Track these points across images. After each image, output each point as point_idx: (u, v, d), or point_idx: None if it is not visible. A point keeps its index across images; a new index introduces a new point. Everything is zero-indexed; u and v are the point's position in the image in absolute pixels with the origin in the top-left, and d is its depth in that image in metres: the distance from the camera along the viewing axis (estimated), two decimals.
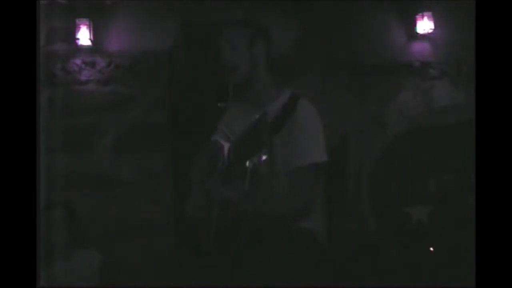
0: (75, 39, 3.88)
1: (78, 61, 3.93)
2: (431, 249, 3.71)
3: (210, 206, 1.82)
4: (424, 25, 4.19)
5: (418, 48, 4.27)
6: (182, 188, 2.11)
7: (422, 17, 4.19)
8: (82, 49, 3.92)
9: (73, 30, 3.87)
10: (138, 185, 3.81)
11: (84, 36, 3.88)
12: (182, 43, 3.90)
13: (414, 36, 4.25)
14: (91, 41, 3.90)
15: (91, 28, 3.89)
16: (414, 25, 4.22)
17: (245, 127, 1.76)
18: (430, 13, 4.19)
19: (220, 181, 1.80)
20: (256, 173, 1.75)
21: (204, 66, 3.64)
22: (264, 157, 1.67)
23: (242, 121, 1.90)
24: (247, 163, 1.71)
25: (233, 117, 2.02)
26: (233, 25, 2.00)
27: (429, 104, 4.23)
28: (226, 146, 1.82)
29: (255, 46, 1.95)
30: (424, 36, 4.23)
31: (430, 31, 4.20)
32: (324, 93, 3.88)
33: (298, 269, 1.77)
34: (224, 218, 1.79)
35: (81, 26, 3.86)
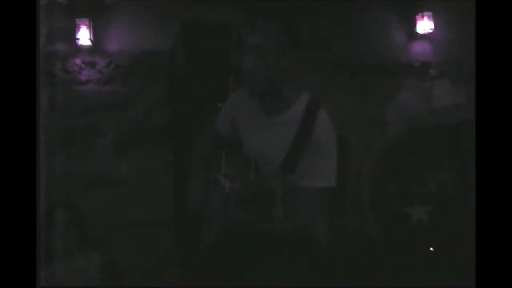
0: (75, 39, 3.88)
1: (78, 61, 3.93)
2: (431, 249, 3.70)
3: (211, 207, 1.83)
4: (424, 25, 4.19)
5: (418, 48, 4.27)
6: (182, 188, 2.11)
7: (422, 17, 4.19)
8: (82, 49, 3.92)
9: (73, 30, 3.87)
10: (138, 185, 3.82)
11: (84, 36, 3.88)
12: (182, 43, 3.90)
13: (414, 36, 4.25)
14: (91, 41, 3.90)
15: (91, 28, 3.89)
16: (414, 25, 4.23)
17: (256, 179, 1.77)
18: (430, 13, 4.19)
19: (222, 209, 1.80)
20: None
21: (204, 66, 3.63)
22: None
23: (256, 128, 1.87)
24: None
25: (247, 121, 1.92)
26: (260, 29, 1.77)
27: (429, 104, 4.23)
28: (228, 186, 1.80)
29: (284, 55, 1.77)
30: (424, 36, 4.23)
31: (430, 31, 4.20)
32: (324, 93, 3.87)
33: (298, 269, 1.78)
34: (226, 222, 1.80)
35: (81, 26, 3.86)
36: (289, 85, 1.83)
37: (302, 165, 1.76)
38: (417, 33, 4.23)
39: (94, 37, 3.91)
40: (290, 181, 1.76)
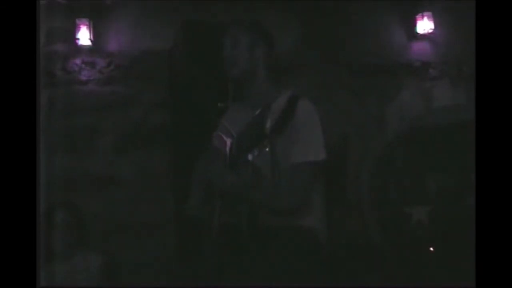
0: (75, 39, 3.88)
1: (78, 61, 3.93)
2: (431, 249, 3.70)
3: (212, 199, 1.84)
4: (424, 25, 4.19)
5: (418, 48, 4.27)
6: (182, 188, 2.12)
7: (422, 17, 4.19)
8: (82, 49, 3.92)
9: (73, 30, 3.87)
10: (138, 185, 3.81)
11: (84, 36, 3.88)
12: (182, 43, 3.90)
13: (414, 36, 4.25)
14: (91, 41, 3.90)
15: (91, 28, 3.89)
16: (414, 25, 4.23)
17: (248, 121, 1.78)
18: (430, 13, 4.19)
19: (223, 171, 1.83)
20: (257, 166, 1.78)
21: (204, 66, 3.64)
22: (266, 149, 1.73)
23: (243, 119, 1.91)
24: (249, 156, 1.75)
25: (234, 116, 2.04)
26: (236, 25, 2.05)
27: (429, 104, 4.23)
28: (229, 141, 1.84)
29: (255, 47, 2.00)
30: (424, 36, 4.23)
31: (430, 31, 4.20)
32: (324, 93, 3.88)
33: (298, 268, 1.78)
34: (226, 213, 1.81)
35: (81, 26, 3.87)
36: (271, 82, 2.01)
37: (286, 145, 1.81)
38: (417, 33, 4.22)
39: (94, 37, 3.91)
40: (278, 159, 1.81)
